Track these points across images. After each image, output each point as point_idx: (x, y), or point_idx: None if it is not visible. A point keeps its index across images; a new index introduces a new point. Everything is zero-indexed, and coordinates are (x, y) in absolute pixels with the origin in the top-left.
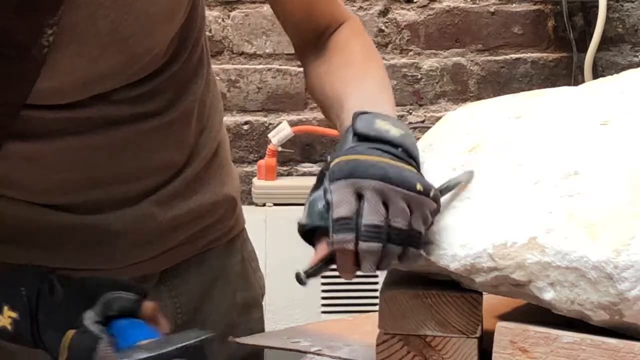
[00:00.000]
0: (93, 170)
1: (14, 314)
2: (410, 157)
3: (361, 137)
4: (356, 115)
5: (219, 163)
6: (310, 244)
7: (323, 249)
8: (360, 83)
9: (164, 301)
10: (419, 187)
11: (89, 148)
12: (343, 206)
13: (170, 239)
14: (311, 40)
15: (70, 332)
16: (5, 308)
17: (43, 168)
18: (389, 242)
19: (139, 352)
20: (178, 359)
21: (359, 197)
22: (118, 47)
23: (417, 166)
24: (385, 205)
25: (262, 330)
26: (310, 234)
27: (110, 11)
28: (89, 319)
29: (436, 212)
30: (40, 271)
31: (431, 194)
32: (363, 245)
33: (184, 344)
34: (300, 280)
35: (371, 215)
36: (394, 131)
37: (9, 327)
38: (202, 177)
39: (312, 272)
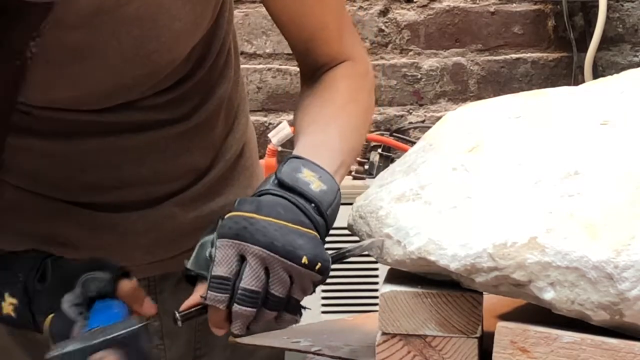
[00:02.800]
0: (116, 171)
1: (14, 300)
2: (320, 215)
3: (280, 183)
4: (286, 159)
5: (243, 164)
6: (192, 285)
7: (197, 298)
8: (323, 127)
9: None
10: (304, 260)
11: (113, 150)
12: (223, 266)
13: (191, 238)
14: (309, 71)
15: (49, 317)
16: (6, 295)
17: (65, 167)
18: (264, 307)
19: (69, 344)
20: (106, 349)
21: (242, 259)
22: (141, 61)
23: (326, 225)
24: (267, 271)
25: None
26: (193, 277)
27: (134, 28)
28: (67, 302)
29: (321, 281)
30: (37, 256)
31: (317, 267)
32: (236, 307)
33: (112, 335)
34: (175, 320)
35: (250, 280)
36: (315, 185)
37: (12, 313)
38: (226, 179)
39: (185, 317)
